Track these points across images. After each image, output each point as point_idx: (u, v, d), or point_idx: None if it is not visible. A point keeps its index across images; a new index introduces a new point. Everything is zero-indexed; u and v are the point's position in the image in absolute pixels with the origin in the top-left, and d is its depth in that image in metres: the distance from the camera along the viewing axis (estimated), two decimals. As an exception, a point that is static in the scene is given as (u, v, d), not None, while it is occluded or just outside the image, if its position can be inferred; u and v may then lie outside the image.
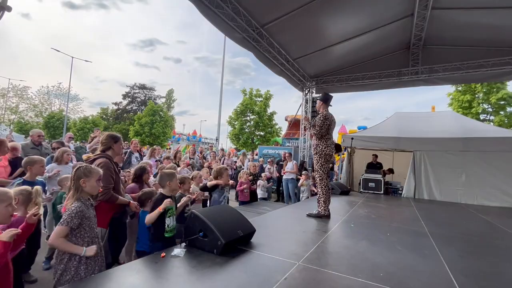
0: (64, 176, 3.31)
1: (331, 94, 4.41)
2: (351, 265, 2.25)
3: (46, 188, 3.53)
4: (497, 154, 6.54)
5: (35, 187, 2.13)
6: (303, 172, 7.56)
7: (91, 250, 1.88)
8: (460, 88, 20.03)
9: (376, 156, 8.43)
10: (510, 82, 17.70)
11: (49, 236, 3.27)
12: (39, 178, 3.21)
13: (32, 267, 2.94)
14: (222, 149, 12.41)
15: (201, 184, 4.16)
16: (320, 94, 4.54)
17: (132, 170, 4.07)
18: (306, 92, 10.57)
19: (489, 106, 19.18)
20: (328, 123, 4.04)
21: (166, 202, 2.48)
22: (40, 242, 2.96)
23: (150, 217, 2.49)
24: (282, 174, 8.22)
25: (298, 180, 7.57)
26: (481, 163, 6.68)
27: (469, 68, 8.08)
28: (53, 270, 1.89)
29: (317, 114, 4.30)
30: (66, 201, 2.00)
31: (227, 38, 6.78)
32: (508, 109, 18.50)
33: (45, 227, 3.90)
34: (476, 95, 19.50)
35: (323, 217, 4.00)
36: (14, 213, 1.88)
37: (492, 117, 19.31)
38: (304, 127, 4.44)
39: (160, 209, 2.46)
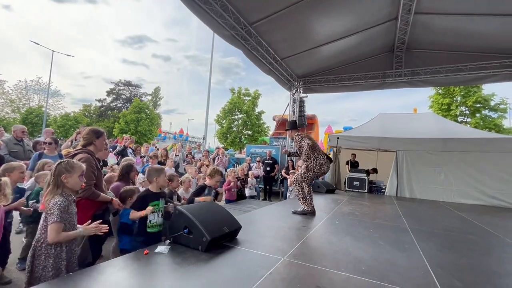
0: (41, 172, 3.18)
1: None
2: (334, 259, 2.30)
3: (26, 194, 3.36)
4: (473, 154, 6.87)
5: (3, 178, 2.04)
6: (291, 172, 7.63)
7: (88, 229, 1.95)
8: (440, 91, 20.86)
9: (354, 155, 8.83)
10: (485, 85, 18.64)
11: (28, 233, 3.13)
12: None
13: (6, 267, 2.80)
14: (207, 150, 11.43)
15: (190, 189, 4.05)
16: (292, 120, 4.80)
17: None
18: (294, 91, 10.67)
19: (466, 108, 20.10)
20: (308, 141, 4.02)
21: (148, 210, 2.48)
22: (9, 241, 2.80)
23: (133, 216, 2.50)
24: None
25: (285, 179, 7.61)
26: (459, 163, 7.01)
27: (448, 71, 8.46)
28: (26, 268, 1.80)
29: (293, 141, 4.40)
30: (44, 197, 1.91)
31: (216, 36, 6.74)
32: (483, 111, 19.45)
33: (21, 223, 3.80)
34: (454, 98, 20.38)
35: (308, 213, 4.06)
36: None
37: (469, 119, 20.24)
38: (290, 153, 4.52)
39: (142, 214, 2.46)
